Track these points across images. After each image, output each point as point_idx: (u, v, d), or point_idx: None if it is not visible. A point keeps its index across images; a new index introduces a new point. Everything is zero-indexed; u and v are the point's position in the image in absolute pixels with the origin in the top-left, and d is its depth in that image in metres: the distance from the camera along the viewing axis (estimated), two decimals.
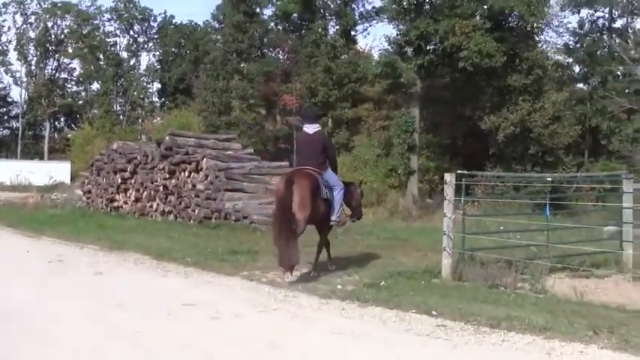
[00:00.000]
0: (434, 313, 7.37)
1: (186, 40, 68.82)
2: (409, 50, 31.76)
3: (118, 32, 73.66)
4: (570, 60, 40.26)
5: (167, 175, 19.70)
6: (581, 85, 40.61)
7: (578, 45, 38.84)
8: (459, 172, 10.00)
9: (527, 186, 20.42)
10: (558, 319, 7.00)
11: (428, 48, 31.03)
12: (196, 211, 18.50)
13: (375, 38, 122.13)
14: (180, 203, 19.18)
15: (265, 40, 51.83)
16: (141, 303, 8.01)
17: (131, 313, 7.43)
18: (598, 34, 40.84)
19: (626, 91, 34.57)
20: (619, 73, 38.55)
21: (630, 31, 39.44)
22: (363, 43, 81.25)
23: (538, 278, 9.02)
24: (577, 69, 40.44)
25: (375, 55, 42.28)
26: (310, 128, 10.30)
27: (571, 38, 39.85)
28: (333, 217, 10.20)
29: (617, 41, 36.65)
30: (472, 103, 33.36)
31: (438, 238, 17.24)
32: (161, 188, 19.96)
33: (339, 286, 9.15)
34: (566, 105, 33.67)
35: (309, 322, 7.08)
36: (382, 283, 9.22)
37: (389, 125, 37.55)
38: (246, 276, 10.07)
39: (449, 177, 9.77)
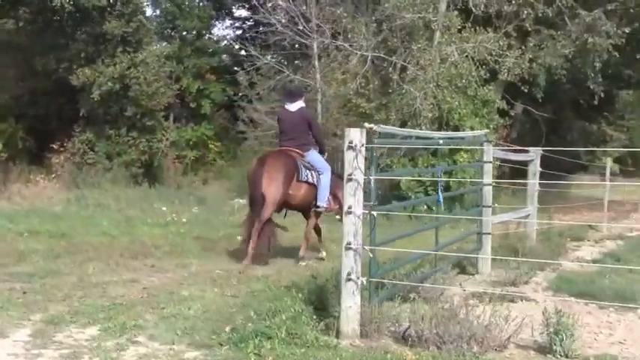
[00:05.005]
0: None
1: None
2: None
3: None
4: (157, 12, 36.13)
5: None
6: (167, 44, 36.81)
7: None
8: (367, 125, 5.51)
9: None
10: None
11: None
12: None
13: None
14: None
15: None
16: None
17: None
18: None
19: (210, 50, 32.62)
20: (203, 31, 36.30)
21: None
22: None
23: (568, 332, 5.06)
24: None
25: None
26: (292, 106, 9.56)
27: None
28: (320, 203, 9.50)
29: None
30: (58, 53, 27.43)
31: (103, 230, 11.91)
32: None
33: None
34: (163, 61, 30.06)
35: None
36: None
37: None
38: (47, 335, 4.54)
39: (356, 135, 5.19)
